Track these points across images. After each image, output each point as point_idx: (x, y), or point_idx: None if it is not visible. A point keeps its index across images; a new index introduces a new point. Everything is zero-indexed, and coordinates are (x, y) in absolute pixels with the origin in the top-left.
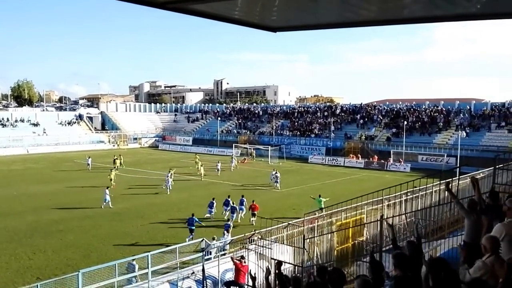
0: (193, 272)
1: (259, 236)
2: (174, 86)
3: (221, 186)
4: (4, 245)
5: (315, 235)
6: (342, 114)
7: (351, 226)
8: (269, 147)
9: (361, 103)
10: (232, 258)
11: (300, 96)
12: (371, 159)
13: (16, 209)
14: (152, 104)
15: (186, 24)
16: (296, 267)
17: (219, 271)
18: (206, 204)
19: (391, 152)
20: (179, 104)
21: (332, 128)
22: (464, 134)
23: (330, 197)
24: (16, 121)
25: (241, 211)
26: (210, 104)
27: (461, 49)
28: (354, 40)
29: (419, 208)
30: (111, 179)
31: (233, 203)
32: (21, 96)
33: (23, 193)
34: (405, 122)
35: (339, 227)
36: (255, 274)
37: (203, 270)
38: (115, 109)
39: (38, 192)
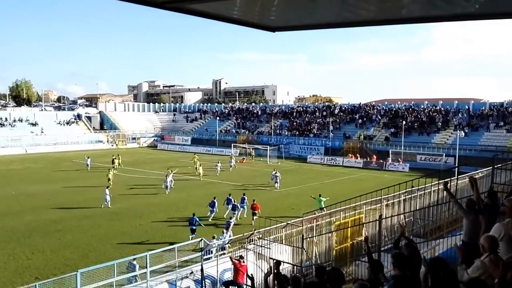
0: (192, 272)
1: (259, 236)
2: (173, 86)
3: (219, 186)
4: (2, 245)
5: (314, 235)
6: (341, 114)
7: (349, 226)
8: (268, 147)
9: (360, 103)
10: (231, 258)
11: (298, 96)
12: (369, 159)
13: (15, 209)
14: (151, 103)
15: (185, 24)
16: (295, 266)
17: (217, 271)
18: (204, 204)
19: (390, 152)
20: (177, 104)
21: (331, 128)
22: (463, 134)
23: (328, 197)
24: (14, 120)
25: (242, 209)
26: (209, 104)
27: (460, 49)
28: (353, 40)
29: (417, 208)
30: (109, 179)
31: (234, 201)
32: (20, 96)
33: (21, 193)
34: (404, 122)
35: (338, 227)
36: (251, 274)
37: (201, 269)
38: (114, 108)
39: (36, 192)
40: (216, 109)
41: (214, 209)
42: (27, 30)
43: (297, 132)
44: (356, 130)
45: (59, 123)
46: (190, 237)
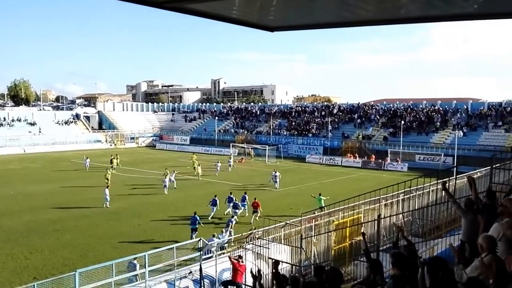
0: (191, 272)
1: (257, 235)
2: (172, 86)
3: (218, 185)
4: (0, 245)
5: (313, 235)
6: (340, 113)
7: (348, 225)
8: (267, 146)
9: (359, 103)
10: (229, 257)
11: (297, 96)
12: (368, 158)
13: (13, 209)
14: (150, 103)
15: (183, 24)
16: (294, 266)
17: (216, 271)
18: (203, 204)
19: (389, 152)
20: (176, 104)
21: (330, 127)
22: (461, 133)
23: (329, 196)
24: (13, 120)
25: (242, 208)
26: (208, 104)
27: (459, 49)
28: (352, 40)
29: (416, 208)
30: (107, 179)
31: (235, 200)
32: (18, 96)
33: (19, 193)
34: (403, 122)
35: (337, 226)
36: (259, 270)
37: (200, 269)
38: (112, 108)
39: (34, 191)
40: (215, 109)
41: (216, 207)
42: (25, 30)
43: (296, 132)
44: (354, 130)
45: (57, 123)
46: (193, 236)
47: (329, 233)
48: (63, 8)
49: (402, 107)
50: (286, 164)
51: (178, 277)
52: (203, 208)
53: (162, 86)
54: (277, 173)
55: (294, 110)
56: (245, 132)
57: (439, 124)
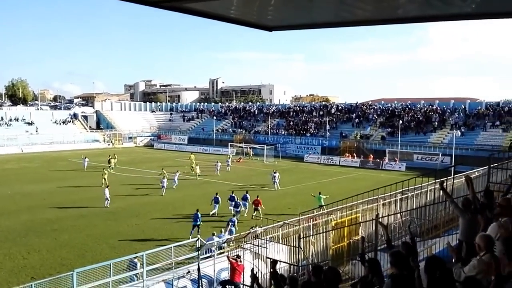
0: (189, 272)
1: (259, 231)
2: (170, 85)
3: (216, 185)
4: None
5: (311, 234)
6: (338, 113)
7: (346, 225)
8: (265, 146)
9: (357, 102)
10: (228, 257)
11: (295, 95)
12: (366, 158)
13: (11, 208)
14: (148, 103)
15: (181, 23)
16: (292, 266)
17: (214, 270)
18: (201, 203)
19: (387, 151)
20: (174, 103)
21: (328, 127)
22: (459, 133)
23: (328, 195)
24: (10, 120)
25: (243, 207)
26: (206, 103)
27: (456, 48)
28: (350, 40)
29: (414, 207)
30: (104, 179)
31: (237, 199)
32: (16, 95)
33: (17, 192)
34: (400, 121)
35: (335, 226)
36: (257, 271)
37: (198, 269)
38: (110, 108)
39: (32, 191)
40: (213, 108)
41: (218, 204)
42: (23, 30)
43: (294, 132)
44: (352, 130)
45: (55, 123)
46: (193, 232)
47: (327, 233)
48: (62, 8)
49: (400, 107)
50: (284, 164)
51: (176, 276)
52: (201, 207)
53: (160, 86)
54: (277, 174)
55: (292, 109)
56: (243, 131)
57: (437, 123)
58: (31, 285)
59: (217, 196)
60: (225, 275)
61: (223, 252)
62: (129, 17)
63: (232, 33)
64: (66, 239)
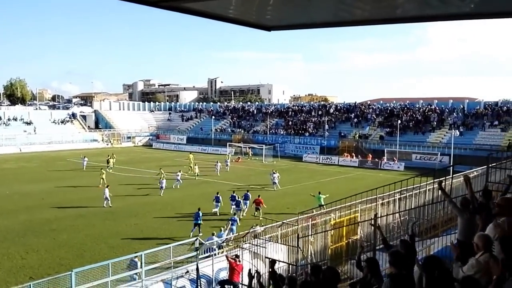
0: (187, 271)
1: (260, 230)
2: (168, 85)
3: (215, 185)
4: None
5: (309, 234)
6: (336, 113)
7: (345, 224)
8: (263, 146)
9: (355, 102)
10: (227, 256)
11: (294, 95)
12: (364, 157)
13: (9, 208)
14: (146, 102)
15: (180, 23)
16: (290, 265)
17: (213, 270)
18: (200, 203)
19: (385, 151)
20: (173, 103)
21: (326, 127)
22: (458, 133)
23: (328, 194)
24: (9, 119)
25: (244, 206)
26: (204, 103)
27: (455, 48)
28: (349, 39)
29: (412, 207)
30: (102, 179)
31: (238, 198)
32: (14, 95)
33: (15, 192)
34: (399, 121)
35: (333, 226)
36: (255, 272)
37: (197, 269)
38: (109, 107)
39: (31, 191)
40: (212, 108)
41: (219, 204)
42: (21, 29)
43: (293, 131)
44: (351, 129)
45: (53, 122)
46: (193, 231)
47: (326, 233)
48: (60, 7)
49: (398, 107)
50: (283, 164)
51: (174, 276)
52: (200, 206)
53: (159, 85)
54: (276, 174)
55: (291, 109)
56: (242, 131)
57: (435, 123)
58: (30, 285)
59: (218, 195)
60: (224, 274)
61: (222, 252)
62: (127, 16)
63: (230, 33)
64: (64, 239)
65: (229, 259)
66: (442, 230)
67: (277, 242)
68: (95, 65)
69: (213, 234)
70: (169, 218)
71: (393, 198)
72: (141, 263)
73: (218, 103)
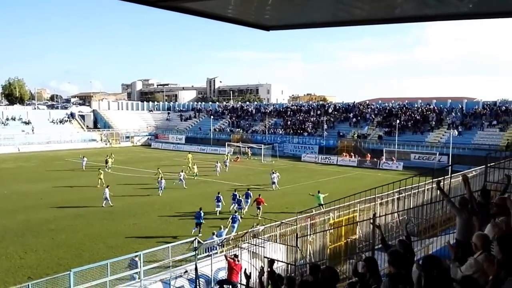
0: (186, 271)
1: (261, 229)
2: (167, 85)
3: (214, 184)
4: None
5: (308, 234)
6: (335, 112)
7: (343, 224)
8: (262, 145)
9: (354, 102)
10: (225, 256)
11: (293, 95)
12: (363, 157)
13: (7, 208)
14: (145, 102)
15: (179, 22)
16: (289, 265)
17: (212, 270)
18: (198, 203)
19: (384, 151)
20: (171, 103)
21: (325, 126)
22: (456, 132)
23: (327, 193)
24: (7, 119)
25: (245, 204)
26: (203, 103)
27: (453, 48)
28: (347, 39)
29: (411, 206)
30: (100, 179)
31: (239, 197)
32: (12, 94)
33: (14, 192)
34: (398, 121)
35: (332, 225)
36: (250, 273)
37: (195, 269)
38: (108, 107)
39: (29, 191)
40: (210, 107)
41: (220, 203)
42: (20, 29)
43: (291, 131)
44: (350, 129)
45: (52, 122)
46: (194, 230)
47: (325, 232)
48: (59, 7)
49: (397, 106)
50: (281, 163)
51: (173, 276)
52: (198, 206)
53: (158, 85)
54: (276, 174)
55: (289, 109)
56: (241, 131)
57: (434, 123)
58: (28, 285)
59: (219, 195)
60: (223, 274)
61: (222, 251)
62: (126, 16)
63: (229, 32)
64: (63, 239)
65: (228, 258)
66: (440, 230)
67: (276, 241)
68: (93, 64)
69: (213, 234)
70: (168, 218)
71: (391, 198)
72: (140, 263)
73: (217, 102)
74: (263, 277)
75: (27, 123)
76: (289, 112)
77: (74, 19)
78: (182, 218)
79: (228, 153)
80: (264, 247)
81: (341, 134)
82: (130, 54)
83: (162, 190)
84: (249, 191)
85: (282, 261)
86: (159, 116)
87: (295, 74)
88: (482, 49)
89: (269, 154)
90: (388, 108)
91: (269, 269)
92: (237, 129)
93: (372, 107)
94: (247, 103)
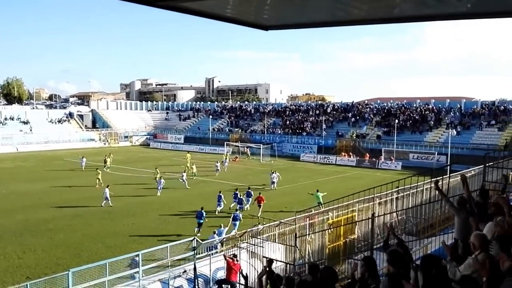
0: (185, 271)
1: (261, 228)
2: (166, 84)
3: (213, 184)
4: None
5: (307, 233)
6: (334, 112)
7: (342, 224)
8: (261, 145)
9: (353, 102)
10: (224, 256)
11: (291, 95)
12: (362, 157)
13: (6, 208)
14: (144, 102)
15: (177, 22)
16: (288, 265)
17: (210, 270)
18: (197, 203)
19: (383, 150)
20: (170, 102)
21: (324, 126)
22: (455, 132)
23: (325, 192)
24: (5, 119)
25: (247, 203)
26: (202, 102)
27: (452, 47)
28: (346, 39)
29: (410, 206)
30: (98, 179)
31: (240, 195)
32: (11, 94)
33: (12, 192)
34: (396, 121)
35: (331, 225)
36: (246, 274)
37: (194, 268)
38: (106, 107)
39: (27, 190)
40: (209, 107)
41: (221, 202)
42: (18, 28)
43: (290, 131)
44: (349, 129)
45: (50, 122)
46: (196, 229)
47: (324, 232)
48: (58, 7)
49: (396, 106)
50: (280, 163)
51: (172, 276)
52: (197, 206)
53: (156, 85)
54: (275, 174)
55: (288, 108)
56: (240, 130)
57: (432, 123)
58: (27, 284)
59: (220, 194)
60: (221, 274)
61: (222, 250)
62: (125, 16)
63: (228, 32)
64: (61, 239)
65: (227, 258)
66: (439, 229)
67: (275, 241)
68: (92, 64)
69: (214, 233)
70: (167, 218)
71: (390, 198)
72: (139, 263)
73: (216, 102)
74: (263, 277)
75: (26, 122)
76: (287, 112)
77: (72, 18)
78: (181, 218)
79: (227, 152)
80: (263, 247)
81: (339, 133)
82: (129, 53)
83: (161, 190)
84: (250, 190)
85: (281, 261)
86: (157, 116)
87: (294, 74)
88: (481, 49)
89: (268, 154)
90: (386, 107)
91: (267, 269)
92: (236, 129)
93: (371, 106)
94: (246, 102)
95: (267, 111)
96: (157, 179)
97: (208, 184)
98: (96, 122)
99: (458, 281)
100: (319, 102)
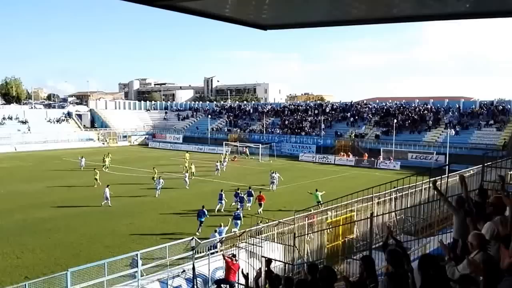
0: (184, 271)
1: (262, 228)
2: (164, 84)
3: (212, 184)
4: None
5: (306, 233)
6: (333, 112)
7: (341, 223)
8: (260, 145)
9: (351, 101)
10: (223, 255)
11: (290, 94)
12: (360, 156)
13: (4, 207)
14: (142, 101)
15: (176, 22)
16: (287, 264)
17: (209, 270)
18: (196, 202)
19: (381, 150)
20: (169, 102)
21: (323, 126)
22: (453, 132)
23: (323, 191)
24: (4, 118)
25: (248, 202)
26: (201, 102)
27: (450, 47)
28: (345, 39)
29: (408, 206)
30: (96, 179)
31: (241, 194)
32: (9, 94)
33: (10, 191)
34: (395, 120)
35: (330, 225)
36: (247, 273)
37: (193, 268)
38: (105, 106)
39: (26, 190)
40: (208, 107)
41: (222, 201)
42: (17, 28)
43: (289, 130)
44: (347, 129)
45: (49, 121)
46: (199, 229)
47: (322, 231)
48: (57, 6)
49: (394, 106)
50: (279, 163)
51: (171, 275)
52: (196, 206)
53: (155, 84)
54: (275, 174)
55: (287, 108)
56: (238, 130)
57: (431, 122)
58: (25, 284)
59: (222, 193)
60: (220, 274)
61: (222, 250)
62: (123, 15)
63: (227, 32)
64: (60, 239)
65: (226, 258)
66: (438, 229)
67: (274, 241)
68: (90, 64)
69: (215, 231)
70: (165, 218)
71: (389, 197)
72: (137, 262)
73: (214, 102)
74: (260, 279)
75: (24, 122)
76: (286, 112)
77: (71, 18)
78: (180, 218)
79: (226, 152)
80: (261, 247)
81: (338, 133)
82: (127, 53)
83: (160, 191)
84: (251, 190)
85: (279, 261)
86: (156, 116)
87: (292, 74)
88: (479, 49)
89: (267, 153)
90: (385, 107)
91: (266, 269)
92: (235, 129)
93: (370, 106)
94: (245, 102)
95: (265, 111)
96: (155, 178)
97: (207, 184)
98: (95, 122)
99: (458, 280)
100: (318, 102)
